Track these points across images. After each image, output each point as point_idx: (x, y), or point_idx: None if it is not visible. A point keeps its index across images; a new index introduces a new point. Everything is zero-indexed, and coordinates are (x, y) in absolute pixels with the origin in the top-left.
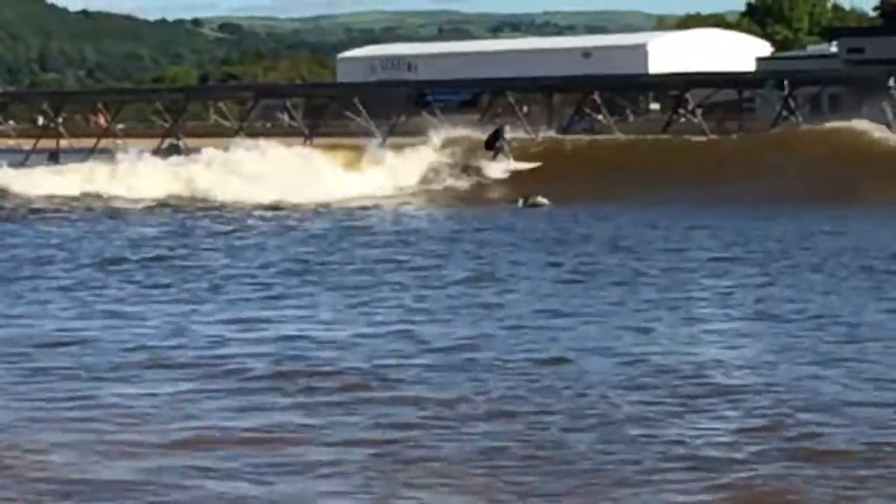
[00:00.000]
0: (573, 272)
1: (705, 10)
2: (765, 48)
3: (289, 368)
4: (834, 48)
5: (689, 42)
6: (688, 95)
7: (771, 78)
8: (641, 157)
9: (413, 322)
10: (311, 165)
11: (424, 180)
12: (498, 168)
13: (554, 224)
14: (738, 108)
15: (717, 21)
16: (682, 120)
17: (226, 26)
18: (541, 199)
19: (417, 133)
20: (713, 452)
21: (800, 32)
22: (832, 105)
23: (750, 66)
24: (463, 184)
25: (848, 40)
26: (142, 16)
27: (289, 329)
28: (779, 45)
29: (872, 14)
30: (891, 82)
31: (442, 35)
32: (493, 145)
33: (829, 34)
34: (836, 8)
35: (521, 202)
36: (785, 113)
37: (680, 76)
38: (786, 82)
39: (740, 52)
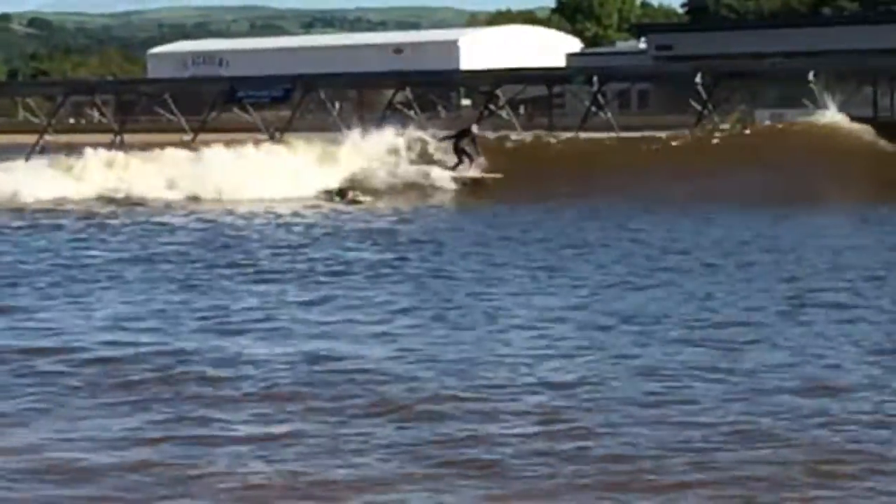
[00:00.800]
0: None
1: (516, 7)
2: (575, 44)
3: None
4: (643, 44)
5: (500, 38)
6: (499, 91)
7: (580, 74)
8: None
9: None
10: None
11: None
12: (450, 174)
13: (350, 220)
14: (548, 103)
15: (528, 17)
16: (521, 118)
17: (35, 21)
18: (360, 196)
19: (229, 129)
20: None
21: (609, 29)
22: (641, 101)
23: (560, 62)
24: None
25: (656, 37)
26: None
27: None
28: (588, 41)
29: (680, 11)
30: (698, 78)
31: (254, 31)
32: (460, 148)
33: (637, 31)
34: (645, 5)
35: (337, 198)
36: (594, 109)
37: (491, 72)
38: (595, 78)
39: (551, 48)
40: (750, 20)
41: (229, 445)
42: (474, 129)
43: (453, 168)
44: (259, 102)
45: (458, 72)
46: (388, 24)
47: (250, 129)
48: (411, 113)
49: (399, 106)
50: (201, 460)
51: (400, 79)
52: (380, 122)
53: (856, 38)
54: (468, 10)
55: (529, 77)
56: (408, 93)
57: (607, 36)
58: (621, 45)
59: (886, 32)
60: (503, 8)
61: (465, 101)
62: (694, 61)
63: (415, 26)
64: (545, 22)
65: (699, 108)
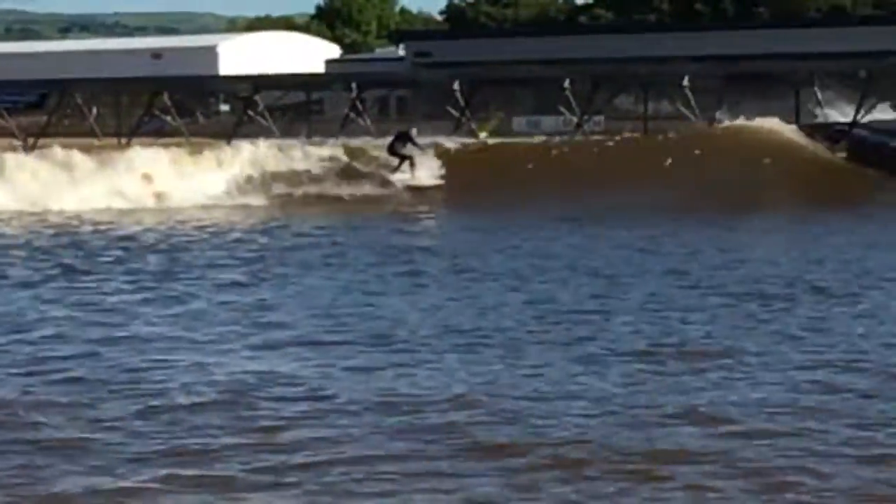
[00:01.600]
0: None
1: (276, 13)
2: (334, 51)
3: None
4: (402, 51)
5: (259, 44)
6: (258, 97)
7: (339, 80)
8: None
9: None
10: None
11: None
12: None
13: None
14: (307, 109)
15: (288, 23)
16: (280, 124)
17: None
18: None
19: None
20: None
21: (369, 36)
22: (399, 107)
23: (319, 69)
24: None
25: (415, 44)
26: None
27: None
28: (348, 48)
29: (439, 18)
30: (456, 85)
31: (9, 35)
32: (396, 151)
33: (396, 38)
34: (404, 12)
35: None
36: (353, 115)
37: (249, 78)
38: (354, 84)
39: (310, 54)
40: (508, 28)
41: None
42: (413, 132)
43: (393, 171)
44: (14, 108)
45: (216, 77)
46: (147, 30)
47: (5, 134)
48: (168, 118)
49: (157, 112)
50: None
51: (157, 84)
52: (136, 128)
53: (612, 47)
54: (228, 16)
55: (288, 83)
56: (165, 98)
57: (366, 42)
58: (380, 52)
59: (640, 41)
60: (262, 14)
61: (224, 107)
62: (452, 68)
63: (174, 32)
64: (304, 28)
65: (457, 114)
